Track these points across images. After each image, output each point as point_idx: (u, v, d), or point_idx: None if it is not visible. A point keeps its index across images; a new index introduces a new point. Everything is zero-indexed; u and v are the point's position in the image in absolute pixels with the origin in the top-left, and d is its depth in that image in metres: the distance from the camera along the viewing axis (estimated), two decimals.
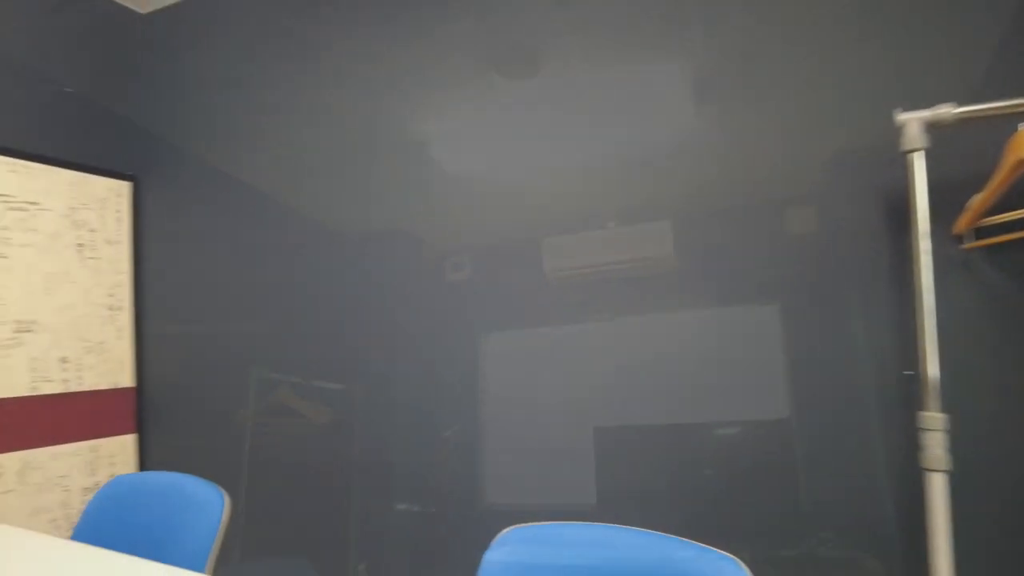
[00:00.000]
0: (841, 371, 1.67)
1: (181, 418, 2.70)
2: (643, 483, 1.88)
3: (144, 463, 2.78)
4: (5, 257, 2.38)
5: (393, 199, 2.31)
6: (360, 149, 2.38)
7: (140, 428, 2.78)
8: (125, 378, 2.75)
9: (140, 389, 2.80)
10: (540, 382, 2.05)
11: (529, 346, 2.07)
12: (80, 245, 2.63)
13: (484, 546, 1.25)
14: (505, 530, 1.29)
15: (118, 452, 2.69)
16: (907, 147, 1.36)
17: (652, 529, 1.15)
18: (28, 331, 2.43)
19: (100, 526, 1.52)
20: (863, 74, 1.66)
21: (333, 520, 2.35)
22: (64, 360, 2.53)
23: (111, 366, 2.70)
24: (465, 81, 2.19)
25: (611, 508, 1.92)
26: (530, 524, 1.30)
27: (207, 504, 1.44)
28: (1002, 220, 1.42)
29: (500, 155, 2.13)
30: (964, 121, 1.32)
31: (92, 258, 2.67)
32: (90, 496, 2.49)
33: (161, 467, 2.74)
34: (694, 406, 1.83)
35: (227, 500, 1.46)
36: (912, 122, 1.34)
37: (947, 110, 1.32)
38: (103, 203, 2.74)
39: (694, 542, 1.09)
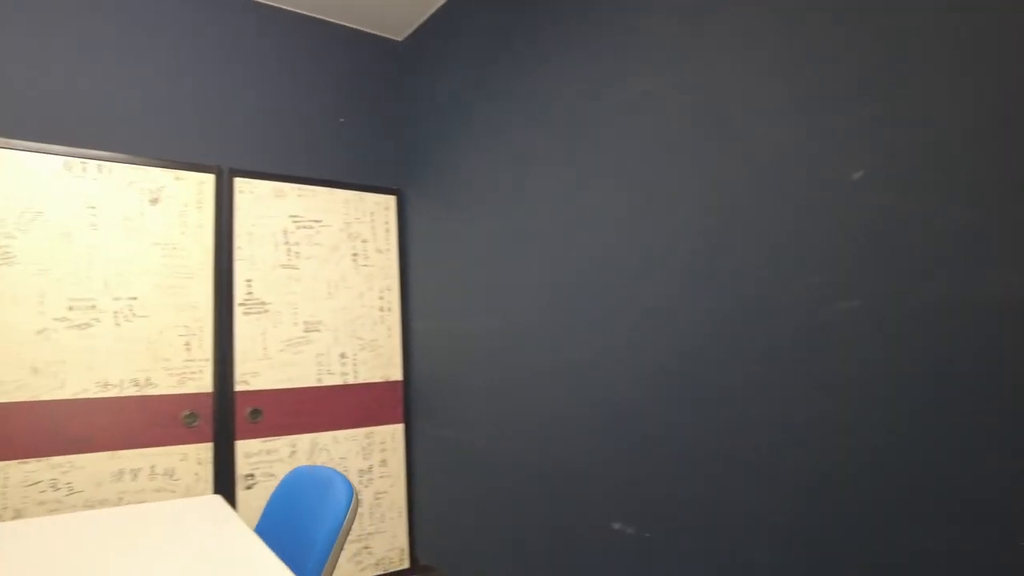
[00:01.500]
0: None
1: (441, 410, 2.84)
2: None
3: (410, 451, 3.01)
4: (296, 268, 2.83)
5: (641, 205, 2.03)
6: (605, 147, 2.16)
7: (407, 418, 3.03)
8: (394, 372, 3.03)
9: (407, 382, 3.05)
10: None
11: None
12: (355, 255, 2.99)
13: None
14: None
15: (388, 440, 2.96)
16: None
17: None
18: (315, 330, 2.84)
19: (274, 512, 1.62)
20: None
21: (544, 534, 2.16)
22: (343, 356, 2.89)
23: (382, 361, 3.00)
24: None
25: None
26: None
27: (338, 505, 1.40)
28: None
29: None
30: None
31: (365, 265, 3.01)
32: (364, 478, 2.78)
33: (423, 456, 2.93)
34: None
35: (353, 502, 1.40)
36: None
37: None
38: (373, 216, 3.07)
39: None
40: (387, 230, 3.11)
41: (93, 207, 2.41)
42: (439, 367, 2.85)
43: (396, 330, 3.06)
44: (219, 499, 1.74)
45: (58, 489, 2.23)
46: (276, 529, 1.58)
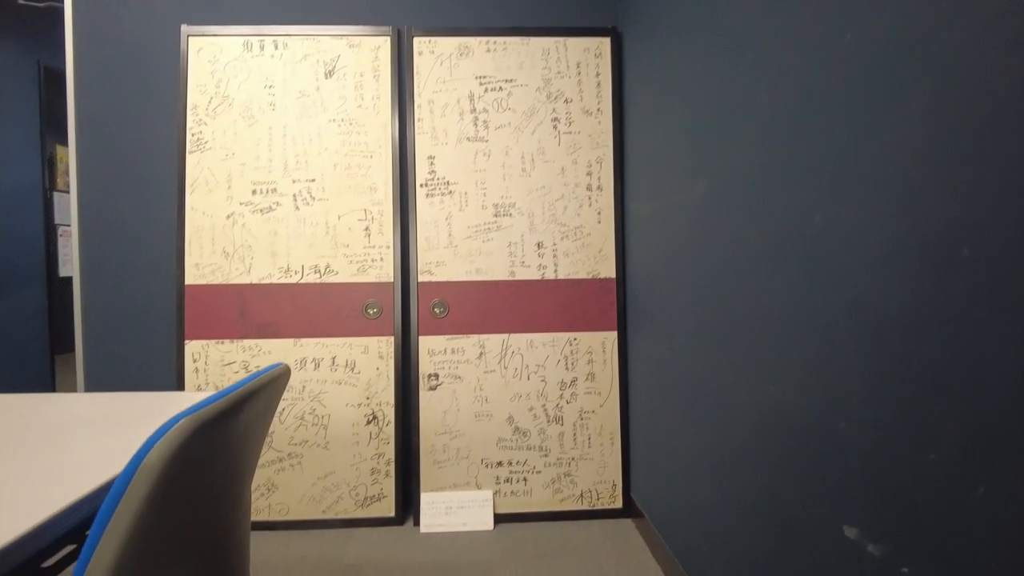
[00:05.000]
0: None
1: (656, 319, 2.14)
2: None
3: (626, 364, 2.38)
4: (485, 140, 2.37)
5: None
6: None
7: (622, 325, 2.38)
8: (606, 268, 2.39)
9: (622, 280, 2.39)
10: None
11: None
12: (555, 120, 2.39)
13: None
14: None
15: (597, 349, 2.38)
16: None
17: None
18: (507, 215, 2.37)
19: None
20: None
21: (759, 519, 1.36)
22: (540, 245, 2.37)
23: (590, 253, 2.38)
24: None
25: None
26: None
27: None
28: None
29: None
30: None
31: (568, 133, 2.39)
32: (566, 392, 2.29)
33: (640, 376, 2.27)
34: None
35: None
36: None
37: None
38: (580, 68, 2.40)
39: None
40: (598, 84, 2.40)
41: (271, 86, 2.30)
42: (658, 262, 2.12)
43: (608, 214, 2.40)
44: (184, 395, 1.42)
45: (249, 371, 2.26)
46: None
